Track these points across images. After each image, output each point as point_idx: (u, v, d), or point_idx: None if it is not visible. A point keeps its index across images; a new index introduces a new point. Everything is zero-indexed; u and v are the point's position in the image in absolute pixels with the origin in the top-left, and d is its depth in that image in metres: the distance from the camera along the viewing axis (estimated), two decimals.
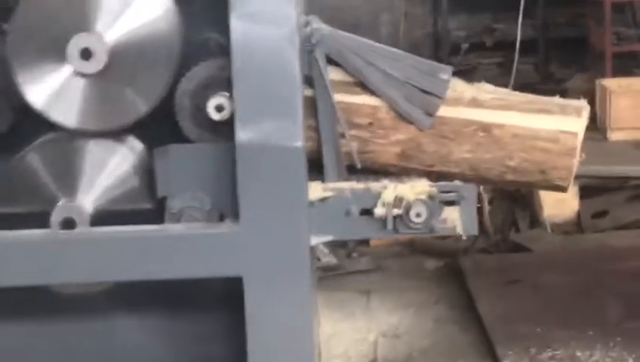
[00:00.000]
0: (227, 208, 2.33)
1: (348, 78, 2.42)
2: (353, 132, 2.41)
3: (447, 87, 2.42)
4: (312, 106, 2.37)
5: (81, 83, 2.29)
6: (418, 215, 2.33)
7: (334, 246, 5.12)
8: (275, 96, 2.25)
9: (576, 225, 5.76)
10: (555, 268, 4.74)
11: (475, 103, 2.43)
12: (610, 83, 7.04)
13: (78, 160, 2.39)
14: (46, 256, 2.27)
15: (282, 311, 2.30)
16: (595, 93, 7.10)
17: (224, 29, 2.25)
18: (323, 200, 2.35)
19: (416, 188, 2.35)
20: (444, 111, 2.41)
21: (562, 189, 2.48)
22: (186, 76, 2.39)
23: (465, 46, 8.43)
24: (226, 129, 2.29)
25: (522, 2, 6.95)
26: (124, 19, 2.30)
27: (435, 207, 2.35)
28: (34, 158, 2.39)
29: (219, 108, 2.32)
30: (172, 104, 2.39)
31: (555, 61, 8.57)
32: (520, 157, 2.41)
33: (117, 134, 2.41)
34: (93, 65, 2.26)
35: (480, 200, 5.38)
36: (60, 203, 2.35)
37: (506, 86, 7.36)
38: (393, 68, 2.41)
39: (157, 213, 2.39)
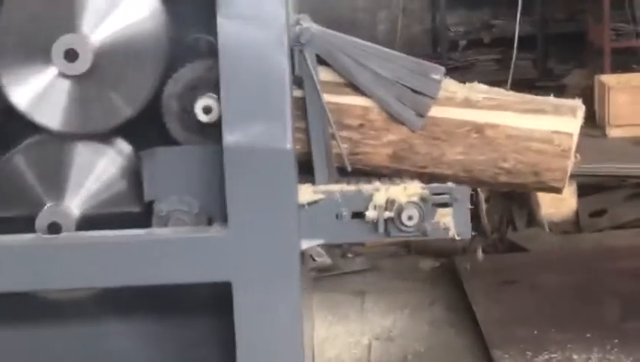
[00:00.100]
0: (216, 212, 2.31)
1: (338, 79, 2.40)
2: (344, 133, 2.39)
3: (439, 87, 2.40)
4: (301, 107, 2.36)
5: (65, 84, 2.27)
6: (410, 218, 2.32)
7: (329, 246, 5.11)
8: (263, 97, 2.23)
9: (574, 224, 5.75)
10: (553, 268, 4.73)
11: (467, 103, 2.42)
12: (609, 79, 7.03)
13: (64, 163, 2.38)
14: (30, 261, 2.25)
15: (272, 317, 2.28)
16: (593, 89, 7.09)
17: (213, 29, 2.24)
18: (313, 203, 2.33)
19: (408, 191, 2.34)
20: (436, 111, 2.39)
21: (557, 191, 2.47)
22: (172, 77, 2.38)
23: (463, 42, 8.42)
24: (214, 131, 2.28)
25: None
26: (110, 19, 2.28)
27: (428, 210, 2.33)
28: (19, 161, 2.37)
29: (206, 110, 2.31)
30: (159, 106, 2.38)
31: (554, 57, 8.56)
32: (514, 158, 2.39)
33: (105, 136, 2.39)
34: (78, 67, 2.24)
35: (476, 199, 5.36)
36: (46, 207, 2.33)
37: (505, 82, 7.36)
38: (384, 68, 2.39)
39: (145, 217, 2.37)
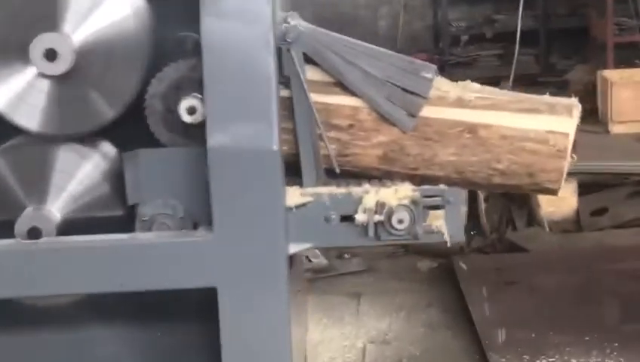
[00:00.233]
0: (201, 216, 2.28)
1: (327, 78, 2.36)
2: (333, 134, 2.36)
3: (430, 87, 2.36)
4: (288, 108, 2.32)
5: (45, 85, 2.23)
6: (400, 221, 2.28)
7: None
8: (248, 97, 2.19)
9: (574, 223, 5.70)
10: (552, 268, 4.68)
11: (460, 103, 2.38)
12: (612, 74, 6.97)
13: (46, 165, 2.34)
14: (10, 267, 2.21)
15: (259, 324, 2.25)
16: (596, 84, 7.05)
17: (199, 27, 2.20)
18: (301, 206, 2.30)
19: (398, 193, 2.30)
20: (427, 111, 2.36)
21: (553, 192, 2.43)
22: (156, 77, 2.34)
23: (465, 37, 8.39)
24: (198, 132, 2.24)
25: None
26: (91, 18, 2.24)
27: (419, 213, 2.29)
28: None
29: (191, 111, 2.27)
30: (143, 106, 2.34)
31: (556, 52, 8.52)
32: (508, 159, 2.35)
33: (88, 138, 2.35)
34: (58, 67, 2.20)
35: (475, 198, 5.31)
36: (26, 211, 2.29)
37: (507, 78, 7.29)
38: (374, 66, 2.35)
39: (130, 221, 2.34)
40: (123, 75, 2.27)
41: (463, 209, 2.38)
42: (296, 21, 2.37)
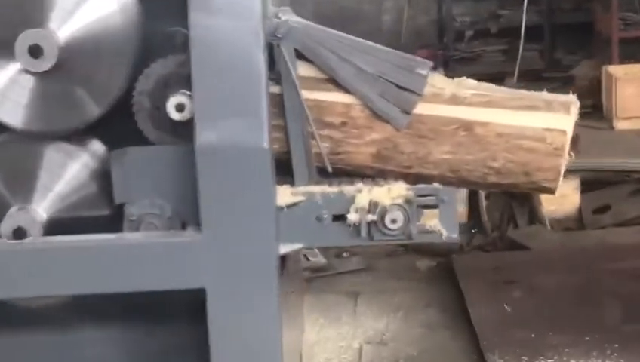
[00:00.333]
0: (189, 215, 2.24)
1: (319, 74, 2.33)
2: (325, 132, 2.32)
3: (425, 83, 2.32)
4: (279, 105, 2.28)
5: (29, 81, 2.20)
6: (394, 221, 2.24)
7: None
8: (238, 94, 2.15)
9: (577, 221, 5.67)
10: (553, 267, 4.65)
11: (455, 100, 2.34)
12: (616, 70, 6.93)
13: (32, 164, 2.30)
14: None
15: (248, 326, 2.21)
16: (601, 80, 7.01)
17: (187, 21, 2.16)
18: (292, 205, 2.26)
19: (392, 192, 2.26)
20: (422, 108, 2.32)
21: (550, 191, 2.39)
22: (144, 73, 2.30)
23: (469, 33, 8.37)
24: (187, 130, 2.20)
25: None
26: (77, 14, 2.20)
27: (413, 212, 2.26)
28: None
29: (179, 108, 2.23)
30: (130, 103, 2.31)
31: (561, 47, 8.49)
32: (504, 157, 2.32)
33: (75, 135, 2.32)
34: (43, 63, 2.17)
35: (476, 195, 5.27)
36: (10, 211, 2.26)
37: (511, 73, 7.27)
38: (367, 62, 2.32)
39: (118, 221, 2.30)
40: (109, 71, 2.23)
41: (458, 208, 2.34)
42: (288, 16, 2.34)
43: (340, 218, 2.27)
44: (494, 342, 3.70)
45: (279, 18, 2.29)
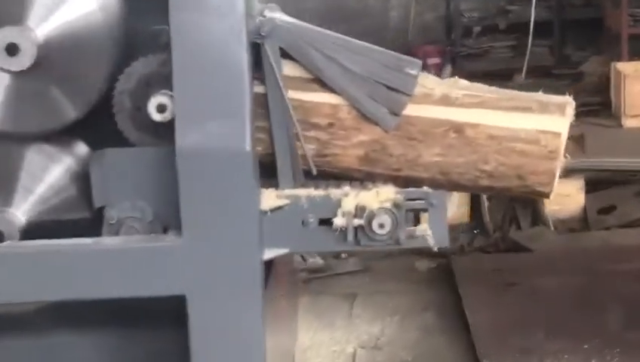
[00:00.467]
0: (172, 219, 2.20)
1: (305, 74, 2.28)
2: (311, 133, 2.28)
3: (415, 83, 2.28)
4: (264, 105, 2.24)
5: (5, 80, 2.16)
6: (381, 226, 2.20)
7: None
8: (219, 94, 2.11)
9: (581, 221, 5.63)
10: (555, 270, 4.61)
11: (446, 101, 2.29)
12: (625, 67, 6.87)
13: (12, 166, 2.27)
14: None
15: (230, 334, 2.17)
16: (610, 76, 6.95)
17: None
18: (277, 209, 2.22)
19: (380, 196, 2.22)
20: (411, 109, 2.27)
21: (544, 195, 2.34)
22: (125, 72, 2.26)
23: (477, 28, 8.32)
24: (169, 131, 2.16)
25: None
26: (56, 12, 2.16)
27: (401, 217, 2.22)
28: None
29: (160, 109, 2.19)
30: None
31: (571, 43, 8.44)
32: (496, 160, 2.27)
33: (60, 138, 2.29)
34: (20, 62, 2.13)
35: (478, 195, 5.21)
36: None
37: (520, 69, 7.20)
38: (355, 62, 2.27)
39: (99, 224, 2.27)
40: (88, 71, 2.20)
41: (448, 212, 2.29)
42: (274, 14, 2.29)
43: (326, 222, 2.23)
44: (491, 348, 3.66)
45: (264, 16, 2.25)
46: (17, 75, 2.15)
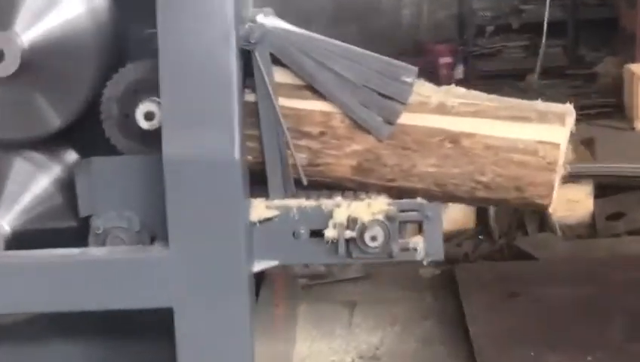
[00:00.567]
0: (160, 229, 2.17)
1: (297, 81, 2.25)
2: (303, 142, 2.24)
3: (410, 91, 2.24)
4: (254, 113, 2.21)
5: None
6: (373, 238, 2.17)
7: None
8: (208, 101, 2.08)
9: (589, 228, 5.59)
10: (560, 279, 4.57)
11: (442, 110, 2.25)
12: (638, 68, 6.82)
13: None
14: None
15: (218, 347, 2.14)
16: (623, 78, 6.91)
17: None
18: (267, 220, 2.19)
19: (372, 207, 2.19)
20: (406, 118, 2.23)
21: (542, 208, 2.30)
22: (113, 79, 2.24)
23: (490, 28, 8.30)
24: (157, 139, 2.13)
25: None
26: (42, 17, 2.13)
27: (394, 229, 2.18)
28: None
29: (148, 116, 2.16)
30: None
31: (585, 44, 8.40)
32: (493, 171, 2.23)
33: (49, 145, 2.26)
34: (5, 68, 2.10)
35: None
36: None
37: (533, 70, 7.16)
38: (348, 69, 2.24)
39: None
40: (76, 77, 2.17)
41: (443, 224, 2.26)
42: (266, 19, 2.26)
43: (317, 233, 2.19)
44: (492, 360, 3.63)
45: (255, 22, 2.22)
46: (1, 82, 2.12)
